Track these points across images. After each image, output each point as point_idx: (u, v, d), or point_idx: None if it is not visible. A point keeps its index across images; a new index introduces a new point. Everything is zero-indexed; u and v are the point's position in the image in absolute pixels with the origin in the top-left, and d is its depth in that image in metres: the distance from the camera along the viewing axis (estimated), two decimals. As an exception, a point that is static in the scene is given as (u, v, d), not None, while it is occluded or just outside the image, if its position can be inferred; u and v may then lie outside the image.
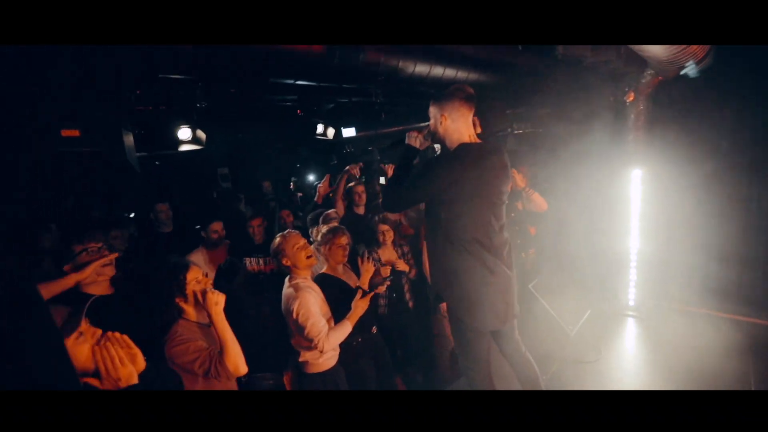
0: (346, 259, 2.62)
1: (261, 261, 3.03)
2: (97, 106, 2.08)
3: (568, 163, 4.07)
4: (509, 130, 8.06)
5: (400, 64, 2.50)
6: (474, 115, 1.91)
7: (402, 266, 3.19)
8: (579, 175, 3.98)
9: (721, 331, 3.67)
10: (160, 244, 3.32)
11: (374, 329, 2.75)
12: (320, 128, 5.32)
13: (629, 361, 3.51)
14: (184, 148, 3.86)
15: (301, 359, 2.25)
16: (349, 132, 9.97)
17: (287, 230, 2.38)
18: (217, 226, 3.11)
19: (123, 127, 2.17)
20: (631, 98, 3.82)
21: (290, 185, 9.01)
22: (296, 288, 2.20)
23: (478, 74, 3.19)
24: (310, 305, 2.14)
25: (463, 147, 1.84)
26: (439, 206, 1.82)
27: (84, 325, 1.21)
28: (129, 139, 2.27)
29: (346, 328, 2.25)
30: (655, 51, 2.65)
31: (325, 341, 2.12)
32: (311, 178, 8.23)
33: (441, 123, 1.87)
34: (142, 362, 1.24)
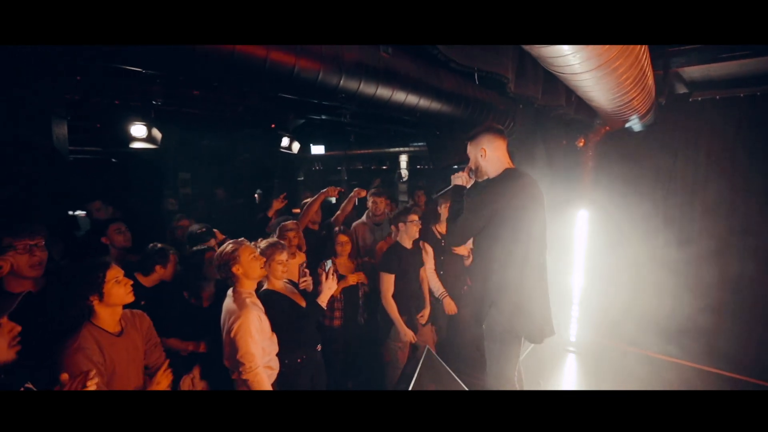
0: (285, 276, 2.51)
1: None
2: (23, 90, 1.94)
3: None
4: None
5: (361, 85, 2.54)
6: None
7: (361, 278, 3.16)
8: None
9: (653, 372, 3.85)
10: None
11: (319, 347, 2.66)
12: (285, 141, 5.27)
13: (566, 396, 3.58)
14: (136, 145, 3.69)
15: (233, 377, 2.08)
16: (318, 149, 10.00)
17: (239, 238, 2.27)
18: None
19: (54, 115, 2.04)
20: (581, 144, 4.08)
21: (254, 196, 8.80)
22: (241, 304, 2.07)
23: (442, 104, 3.30)
24: (252, 327, 2.01)
25: (509, 170, 2.07)
26: (499, 223, 1.97)
27: (4, 319, 1.25)
28: (62, 130, 2.13)
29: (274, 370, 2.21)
30: (601, 101, 2.86)
31: (254, 375, 1.99)
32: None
33: (482, 155, 2.08)
34: None
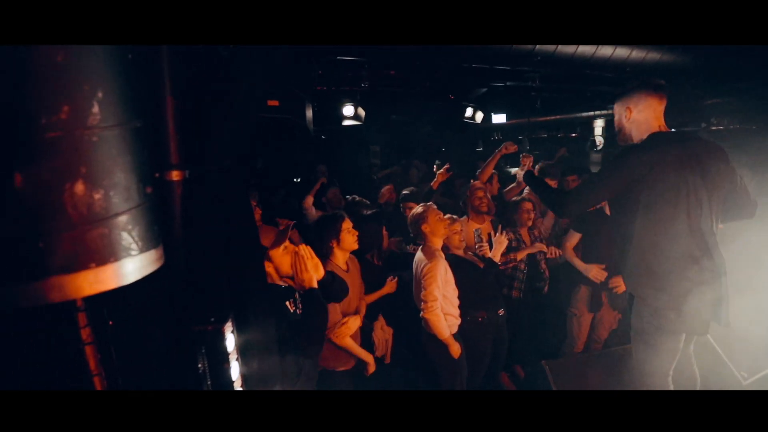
0: (462, 245, 2.69)
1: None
2: (289, 82, 2.63)
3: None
4: (703, 125, 6.57)
5: (559, 46, 2.36)
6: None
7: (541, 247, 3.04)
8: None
9: None
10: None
11: (501, 311, 2.76)
12: (469, 112, 5.36)
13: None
14: (346, 123, 4.45)
15: (422, 314, 2.35)
16: (499, 118, 9.65)
17: (428, 203, 2.57)
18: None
19: (306, 102, 2.70)
20: None
21: (433, 167, 9.32)
22: (431, 255, 2.38)
23: (661, 54, 2.72)
24: (438, 274, 2.30)
25: (654, 135, 1.73)
26: (638, 199, 1.69)
27: (287, 242, 1.74)
28: (310, 112, 2.81)
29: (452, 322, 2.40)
30: None
31: (432, 312, 2.27)
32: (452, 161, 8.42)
33: (626, 116, 1.81)
34: (321, 271, 1.69)
